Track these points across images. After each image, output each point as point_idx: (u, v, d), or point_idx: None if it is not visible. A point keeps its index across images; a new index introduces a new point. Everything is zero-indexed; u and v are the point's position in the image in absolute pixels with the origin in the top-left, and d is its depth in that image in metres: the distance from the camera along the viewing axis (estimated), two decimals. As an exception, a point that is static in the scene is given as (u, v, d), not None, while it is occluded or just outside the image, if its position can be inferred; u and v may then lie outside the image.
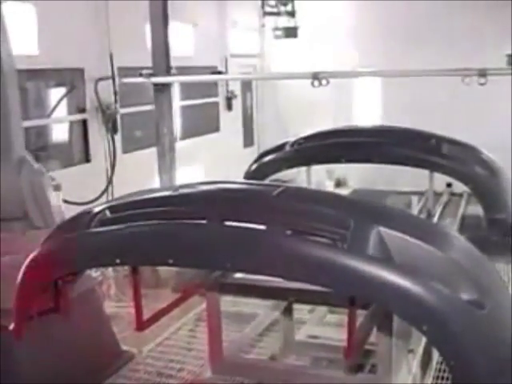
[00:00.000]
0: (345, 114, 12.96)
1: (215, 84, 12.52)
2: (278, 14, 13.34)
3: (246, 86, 14.03)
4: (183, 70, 9.37)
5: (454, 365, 2.87)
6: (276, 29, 13.20)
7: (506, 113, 11.54)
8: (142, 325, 3.92)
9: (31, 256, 3.78)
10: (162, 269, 7.12)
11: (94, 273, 5.81)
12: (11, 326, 3.95)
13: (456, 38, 12.09)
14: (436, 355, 4.98)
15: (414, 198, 8.05)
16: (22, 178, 5.31)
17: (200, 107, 12.28)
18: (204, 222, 3.37)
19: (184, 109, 11.70)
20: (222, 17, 12.61)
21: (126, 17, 9.22)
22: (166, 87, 8.32)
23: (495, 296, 3.14)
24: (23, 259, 3.74)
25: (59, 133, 8.90)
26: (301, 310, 6.12)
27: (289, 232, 3.19)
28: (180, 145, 9.90)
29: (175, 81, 9.21)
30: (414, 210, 7.85)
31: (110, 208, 3.67)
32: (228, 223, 3.33)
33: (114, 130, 9.15)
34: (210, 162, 11.56)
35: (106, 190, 8.81)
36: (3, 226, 5.14)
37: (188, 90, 11.76)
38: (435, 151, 7.52)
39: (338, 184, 13.47)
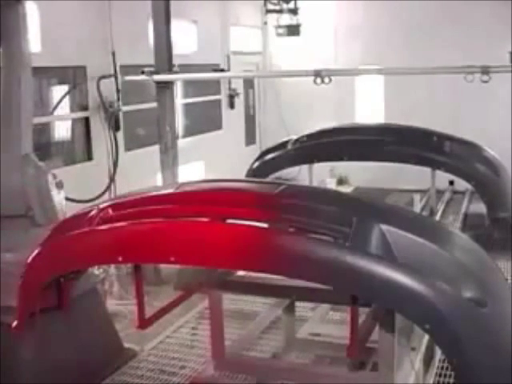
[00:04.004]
0: (347, 113, 12.94)
1: (217, 82, 12.50)
2: (280, 11, 13.29)
3: (248, 83, 14.00)
4: (185, 68, 9.36)
5: (456, 362, 2.87)
6: (278, 26, 13.16)
7: (508, 111, 11.51)
8: (144, 322, 3.91)
9: (33, 254, 3.79)
10: (164, 266, 7.12)
11: (96, 270, 5.81)
12: (13, 324, 3.96)
13: (458, 36, 12.05)
14: (438, 353, 4.98)
15: (416, 196, 8.04)
16: (26, 175, 5.31)
17: (202, 105, 12.25)
18: (206, 220, 3.37)
19: (186, 106, 11.69)
20: (224, 14, 12.60)
21: (128, 15, 9.21)
22: (168, 85, 8.31)
23: (497, 294, 3.14)
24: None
25: (61, 130, 8.90)
26: (303, 308, 6.12)
27: (291, 230, 3.19)
28: (182, 142, 9.90)
29: (177, 79, 9.21)
30: (417, 208, 7.84)
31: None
32: (230, 221, 3.33)
33: (116, 128, 9.15)
34: (212, 160, 11.55)
35: (108, 188, 8.81)
36: (6, 223, 5.14)
37: (190, 88, 11.76)
38: (438, 149, 7.52)
39: (340, 182, 13.44)
